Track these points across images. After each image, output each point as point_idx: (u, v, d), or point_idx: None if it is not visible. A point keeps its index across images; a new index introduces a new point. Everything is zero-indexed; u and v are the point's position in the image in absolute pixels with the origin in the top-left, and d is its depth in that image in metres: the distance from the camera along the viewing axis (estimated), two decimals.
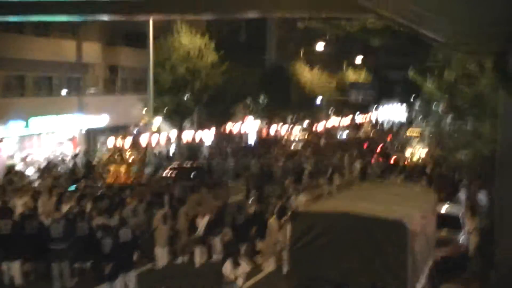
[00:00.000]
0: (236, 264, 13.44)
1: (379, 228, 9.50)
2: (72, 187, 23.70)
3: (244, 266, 13.57)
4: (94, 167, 31.29)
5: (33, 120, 32.50)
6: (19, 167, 31.99)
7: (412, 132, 52.40)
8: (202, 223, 18.27)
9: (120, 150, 24.96)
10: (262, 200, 21.96)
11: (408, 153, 43.80)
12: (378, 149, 50.52)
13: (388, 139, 63.15)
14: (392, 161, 41.45)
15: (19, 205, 20.08)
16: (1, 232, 16.30)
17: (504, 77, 9.24)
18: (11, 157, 33.05)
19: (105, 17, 28.37)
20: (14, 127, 31.61)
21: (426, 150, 42.94)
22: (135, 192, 21.47)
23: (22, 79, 35.00)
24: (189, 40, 36.52)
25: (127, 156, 24.83)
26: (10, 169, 30.12)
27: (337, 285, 9.57)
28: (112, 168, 24.55)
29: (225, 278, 13.54)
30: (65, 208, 19.00)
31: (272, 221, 18.14)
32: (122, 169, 24.34)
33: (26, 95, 35.07)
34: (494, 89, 13.06)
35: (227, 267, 13.47)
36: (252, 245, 19.07)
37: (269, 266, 18.03)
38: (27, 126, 32.37)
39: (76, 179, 28.07)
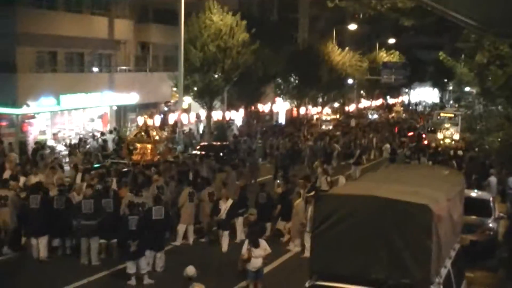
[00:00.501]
0: (255, 245, 13.41)
1: (403, 211, 9.31)
2: (97, 165, 23.82)
3: (264, 247, 13.52)
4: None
5: (64, 97, 32.76)
6: (50, 143, 32.37)
7: (446, 114, 51.70)
8: (224, 206, 17.82)
9: (146, 128, 25.02)
10: (288, 180, 21.87)
11: (440, 135, 43.35)
12: (410, 131, 50.16)
13: (421, 121, 62.62)
14: (423, 143, 41.13)
15: (48, 180, 20.30)
16: (31, 207, 16.54)
17: None
18: (43, 132, 33.43)
19: None
20: (46, 103, 31.91)
21: (458, 133, 42.48)
22: (161, 169, 21.50)
23: (54, 55, 35.27)
24: (220, 18, 36.33)
25: (154, 134, 24.85)
26: (41, 145, 30.46)
27: (358, 270, 9.47)
28: (138, 145, 24.66)
29: (241, 257, 13.57)
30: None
31: (298, 202, 18.04)
32: (149, 146, 24.42)
33: (58, 71, 35.37)
34: None
35: (244, 248, 13.48)
36: (276, 225, 19.11)
37: (295, 247, 17.98)
38: (58, 102, 32.64)
39: (107, 156, 28.36)
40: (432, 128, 48.01)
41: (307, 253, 16.84)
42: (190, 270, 11.28)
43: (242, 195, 19.43)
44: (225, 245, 17.64)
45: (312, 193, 18.24)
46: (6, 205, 16.63)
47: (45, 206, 16.64)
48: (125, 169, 22.18)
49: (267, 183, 23.12)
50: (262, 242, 13.62)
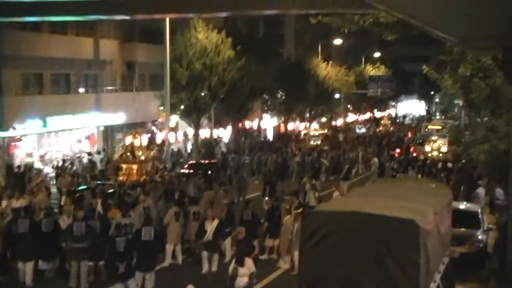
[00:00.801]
0: (241, 264, 13.34)
1: (390, 226, 9.27)
2: (83, 187, 23.67)
3: (248, 266, 13.44)
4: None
5: (51, 119, 32.64)
6: (37, 165, 32.19)
7: (433, 126, 51.93)
8: (210, 227, 17.22)
9: (132, 148, 24.88)
10: (276, 197, 21.76)
11: (428, 148, 43.48)
12: (398, 144, 50.31)
13: (409, 134, 62.84)
14: (412, 156, 41.22)
15: (36, 203, 20.14)
16: (20, 231, 16.38)
17: None
18: (30, 155, 33.26)
19: (122, 17, 28.70)
20: (32, 125, 31.78)
21: (446, 145, 42.60)
22: (147, 189, 21.37)
23: (40, 77, 35.22)
24: (205, 36, 36.43)
25: (140, 154, 24.73)
26: (29, 168, 30.27)
27: (347, 285, 9.43)
28: (124, 166, 24.54)
29: (228, 276, 13.50)
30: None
31: (287, 219, 17.96)
32: (135, 166, 24.29)
33: (44, 92, 35.27)
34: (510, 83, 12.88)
35: (231, 266, 13.42)
36: (264, 242, 18.95)
37: (284, 264, 17.89)
38: (45, 124, 32.53)
39: (94, 177, 28.18)
40: (420, 141, 48.18)
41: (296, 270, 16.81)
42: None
43: (228, 213, 19.15)
44: (214, 266, 17.18)
45: (300, 210, 18.16)
46: None
47: (33, 230, 16.48)
48: (111, 190, 22.00)
49: (255, 200, 23.04)
50: (248, 261, 13.53)
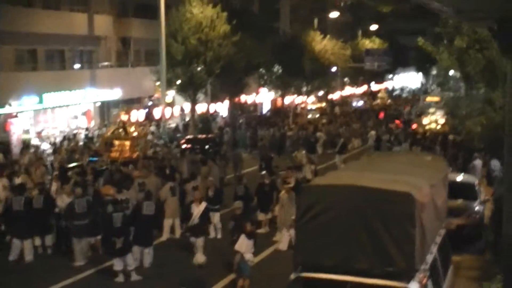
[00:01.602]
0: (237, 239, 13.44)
1: (386, 199, 9.27)
2: (74, 164, 23.59)
3: (243, 242, 13.49)
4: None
5: (47, 95, 32.49)
6: (34, 141, 32.10)
7: (432, 98, 51.71)
8: (197, 210, 16.15)
9: (124, 124, 24.61)
10: (271, 171, 21.72)
11: (426, 120, 43.38)
12: (396, 118, 50.22)
13: (406, 107, 62.71)
14: (409, 129, 41.14)
15: (31, 181, 20.15)
16: (15, 209, 16.40)
17: (506, 44, 8.96)
18: (26, 131, 33.15)
19: None
20: (28, 102, 31.63)
21: (444, 118, 42.48)
22: (139, 166, 21.32)
23: (34, 53, 34.99)
24: (200, 11, 36.14)
25: (132, 130, 24.46)
26: (26, 144, 30.19)
27: (342, 259, 9.45)
28: (116, 142, 24.30)
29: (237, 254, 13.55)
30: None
31: (283, 193, 17.96)
32: (127, 143, 24.06)
33: (38, 69, 35.08)
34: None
35: (239, 241, 13.46)
36: (254, 217, 18.78)
37: (282, 238, 17.91)
38: (41, 100, 32.38)
39: (93, 153, 28.07)
40: (419, 113, 48.04)
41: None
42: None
43: (216, 191, 19.03)
44: (200, 255, 16.12)
45: (290, 184, 18.16)
46: None
47: (28, 208, 16.51)
48: (103, 167, 21.92)
49: (252, 175, 23.03)
50: (243, 236, 13.61)
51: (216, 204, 18.55)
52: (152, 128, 36.95)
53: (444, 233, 11.82)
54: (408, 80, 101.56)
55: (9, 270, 15.93)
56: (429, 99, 52.47)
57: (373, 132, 38.36)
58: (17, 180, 19.48)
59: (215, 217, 18.47)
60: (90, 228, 16.19)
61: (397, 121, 46.31)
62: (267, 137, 36.38)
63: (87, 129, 35.16)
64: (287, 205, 17.52)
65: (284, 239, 17.38)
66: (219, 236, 18.35)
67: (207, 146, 30.64)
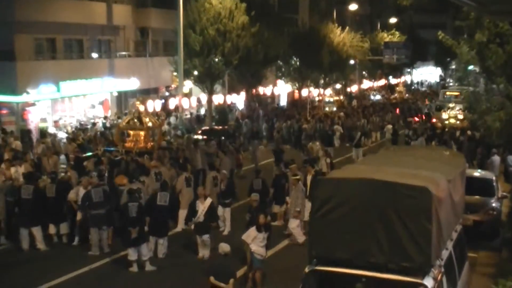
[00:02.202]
0: (259, 229, 13.39)
1: (403, 194, 9.19)
2: (89, 153, 23.63)
3: (251, 233, 13.46)
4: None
5: (64, 84, 32.61)
6: (51, 130, 32.27)
7: (452, 92, 51.25)
8: (202, 207, 15.65)
9: (139, 114, 24.51)
10: (283, 163, 21.57)
11: (445, 115, 43.05)
12: (415, 112, 49.88)
13: (426, 101, 62.26)
14: (428, 124, 40.86)
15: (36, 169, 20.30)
16: (23, 197, 16.44)
17: None
18: (44, 120, 33.34)
19: None
20: (46, 91, 31.78)
21: (463, 112, 42.05)
22: (155, 156, 21.36)
23: (52, 42, 35.10)
24: (219, 1, 36.04)
25: (147, 120, 24.32)
26: (44, 133, 30.35)
27: (357, 254, 9.37)
28: (131, 132, 24.23)
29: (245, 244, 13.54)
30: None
31: (291, 185, 17.84)
32: (142, 133, 23.98)
33: (57, 57, 35.22)
34: None
35: (249, 233, 13.49)
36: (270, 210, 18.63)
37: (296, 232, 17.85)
38: (58, 89, 32.51)
39: (108, 143, 28.17)
40: (438, 107, 47.69)
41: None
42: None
43: (228, 184, 18.84)
44: (206, 252, 15.90)
45: (298, 176, 18.07)
46: None
47: (37, 196, 16.54)
48: (118, 157, 21.97)
49: (267, 167, 22.95)
50: (253, 229, 13.59)
51: (227, 198, 18.47)
52: (172, 119, 36.93)
53: (460, 229, 11.71)
54: (427, 74, 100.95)
55: (25, 258, 16.05)
56: (449, 93, 52.00)
57: (390, 126, 38.19)
58: (19, 169, 19.51)
59: (226, 212, 18.37)
60: (107, 218, 16.22)
61: (413, 118, 45.95)
62: (283, 129, 36.27)
63: (105, 117, 35.29)
64: (292, 196, 17.47)
65: (296, 232, 17.29)
66: (225, 232, 18.11)
67: (223, 137, 30.61)
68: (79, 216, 16.60)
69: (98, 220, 16.11)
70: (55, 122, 33.71)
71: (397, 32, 73.43)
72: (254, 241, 13.38)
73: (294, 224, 17.18)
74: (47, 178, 17.84)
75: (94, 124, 34.28)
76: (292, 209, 17.22)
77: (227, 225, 18.36)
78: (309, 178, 18.68)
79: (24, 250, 16.46)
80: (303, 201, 17.29)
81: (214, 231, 16.59)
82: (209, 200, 15.80)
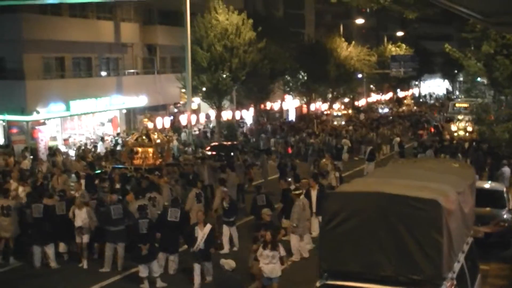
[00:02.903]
0: (274, 246, 13.32)
1: (412, 206, 9.19)
2: (98, 171, 23.68)
3: (281, 249, 13.41)
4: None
5: (73, 102, 32.81)
6: (61, 148, 32.41)
7: (461, 104, 51.05)
8: (201, 233, 14.61)
9: (147, 131, 24.54)
10: (286, 178, 21.48)
11: (454, 127, 42.94)
12: (424, 124, 49.77)
13: (435, 113, 62.17)
14: (436, 136, 40.74)
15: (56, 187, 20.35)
16: (35, 216, 16.46)
17: None
18: (54, 138, 33.51)
19: None
20: (55, 109, 31.99)
21: (472, 124, 41.93)
22: (164, 173, 21.39)
23: (61, 61, 35.36)
24: (226, 18, 36.26)
25: (155, 137, 24.34)
26: (53, 151, 30.47)
27: (367, 267, 9.36)
28: (139, 149, 24.24)
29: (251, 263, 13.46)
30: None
31: (302, 199, 17.78)
32: (150, 150, 24.01)
33: (66, 76, 35.46)
34: None
35: (258, 252, 13.37)
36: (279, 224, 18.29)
37: (305, 245, 17.78)
38: (68, 108, 32.72)
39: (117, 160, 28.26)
40: (448, 119, 47.51)
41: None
42: (231, 262, 11.43)
43: (232, 202, 18.40)
44: (208, 276, 14.99)
45: (299, 191, 17.94)
46: (9, 214, 16.56)
47: (47, 214, 16.54)
48: (128, 174, 22.02)
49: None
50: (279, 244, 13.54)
51: (231, 216, 18.11)
52: (183, 136, 36.94)
53: (471, 241, 11.65)
54: (434, 86, 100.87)
55: (36, 276, 16.04)
56: (458, 105, 51.86)
57: (397, 139, 38.04)
58: (26, 189, 19.58)
59: (232, 231, 18.03)
60: (124, 234, 16.16)
61: (421, 132, 45.84)
62: (282, 144, 36.40)
63: (118, 134, 35.49)
64: (292, 211, 17.27)
65: (296, 247, 17.14)
66: (235, 247, 17.93)
67: (231, 153, 30.63)
68: (85, 238, 16.55)
69: (116, 237, 16.11)
70: (65, 140, 33.88)
71: (403, 45, 73.56)
72: (261, 258, 13.32)
73: (293, 240, 16.95)
74: (56, 196, 17.88)
75: (103, 141, 34.38)
76: (291, 225, 17.04)
77: (235, 243, 18.07)
78: (313, 193, 18.55)
79: (35, 267, 16.47)
80: (302, 216, 17.11)
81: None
82: (208, 226, 14.82)
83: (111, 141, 34.96)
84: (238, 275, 11.82)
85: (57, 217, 16.75)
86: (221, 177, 21.25)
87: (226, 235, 17.91)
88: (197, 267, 14.67)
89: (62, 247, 17.11)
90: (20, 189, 19.38)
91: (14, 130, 32.10)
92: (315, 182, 19.24)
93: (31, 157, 28.44)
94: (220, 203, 18.60)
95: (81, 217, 16.40)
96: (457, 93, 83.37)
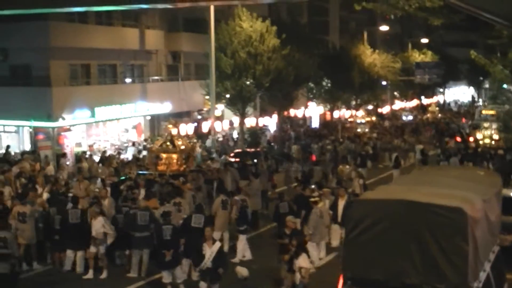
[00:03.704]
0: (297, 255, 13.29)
1: (437, 214, 9.07)
2: (123, 177, 23.79)
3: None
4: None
5: (98, 109, 33.10)
6: (89, 154, 32.64)
7: (487, 111, 50.43)
8: (209, 251, 13.71)
9: (171, 137, 24.65)
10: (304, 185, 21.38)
11: (479, 135, 42.47)
12: (452, 132, 49.29)
13: (463, 120, 61.53)
14: (461, 144, 40.30)
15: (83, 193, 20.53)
16: (71, 221, 16.59)
17: None
18: (79, 144, 33.81)
19: (165, 5, 28.57)
20: (81, 116, 32.30)
21: (498, 132, 41.44)
22: (189, 179, 21.45)
23: (87, 68, 35.70)
24: (250, 25, 36.33)
25: (179, 143, 24.45)
26: (79, 158, 30.72)
27: (391, 276, 9.26)
28: (164, 155, 24.36)
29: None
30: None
31: (322, 205, 17.70)
32: (174, 156, 24.10)
33: (91, 83, 35.79)
34: None
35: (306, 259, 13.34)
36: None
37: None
38: (93, 114, 33.01)
39: (141, 166, 28.39)
40: (474, 126, 47.01)
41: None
42: (243, 270, 11.40)
43: (242, 211, 18.28)
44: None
45: (316, 198, 17.89)
46: (25, 221, 16.63)
47: (82, 220, 16.74)
48: (152, 181, 22.14)
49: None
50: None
51: (241, 225, 17.99)
52: (208, 142, 36.87)
53: (497, 250, 11.51)
54: (459, 93, 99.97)
55: (62, 280, 16.21)
56: (485, 112, 51.26)
57: (420, 146, 37.53)
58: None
59: (240, 238, 17.86)
60: (150, 240, 16.23)
61: (447, 139, 45.37)
62: (315, 150, 36.22)
63: (145, 140, 35.73)
64: (311, 218, 17.22)
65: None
66: (237, 260, 17.63)
67: (255, 160, 30.64)
68: (101, 249, 16.56)
69: (141, 243, 16.18)
70: (90, 146, 34.14)
71: (429, 52, 72.97)
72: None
73: (310, 248, 16.54)
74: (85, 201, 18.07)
75: (134, 145, 34.62)
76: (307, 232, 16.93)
77: (240, 252, 17.86)
78: (341, 203, 18.36)
79: (62, 272, 16.64)
80: (320, 223, 17.07)
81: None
82: (217, 244, 13.94)
83: (136, 147, 35.15)
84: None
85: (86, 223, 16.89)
86: (239, 186, 21.24)
87: (240, 244, 17.82)
88: (203, 286, 13.82)
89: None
90: (45, 195, 19.58)
91: (40, 136, 32.43)
92: (344, 191, 19.13)
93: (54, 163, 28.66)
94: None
95: (95, 227, 16.40)
96: (481, 100, 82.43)
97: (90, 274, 16.43)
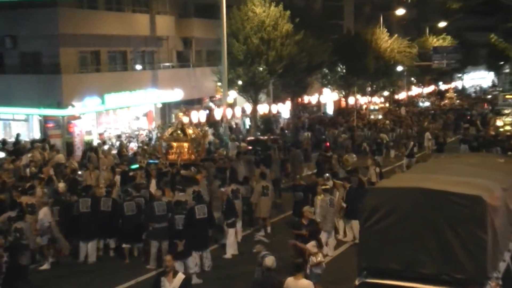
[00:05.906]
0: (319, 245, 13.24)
1: (455, 203, 8.78)
2: (134, 166, 23.48)
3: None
4: None
5: (108, 96, 32.71)
6: (96, 143, 32.33)
7: (510, 96, 49.54)
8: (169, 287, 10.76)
9: (182, 126, 24.17)
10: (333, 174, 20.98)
11: (499, 122, 41.69)
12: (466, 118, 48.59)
13: (485, 105, 60.62)
14: (480, 132, 39.50)
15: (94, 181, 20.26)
16: (82, 210, 16.52)
17: None
18: (89, 133, 33.49)
19: None
20: (91, 103, 31.93)
21: None
22: (201, 168, 21.04)
23: (97, 54, 35.31)
24: (263, 10, 35.70)
25: (190, 132, 23.97)
26: (90, 146, 30.41)
27: (408, 264, 8.96)
28: (174, 144, 23.90)
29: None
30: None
31: (322, 199, 17.20)
32: (185, 145, 23.63)
33: (101, 70, 35.42)
34: None
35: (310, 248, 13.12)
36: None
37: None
38: (103, 102, 32.64)
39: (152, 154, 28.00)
40: (497, 111, 46.20)
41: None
42: (269, 260, 11.11)
43: (229, 203, 17.56)
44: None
45: (327, 186, 17.65)
46: (34, 213, 16.40)
47: (95, 209, 16.64)
48: (164, 170, 21.76)
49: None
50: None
51: (229, 218, 17.31)
52: (221, 130, 36.40)
53: None
54: (478, 79, 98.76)
55: (70, 274, 16.00)
56: (508, 96, 50.38)
57: (429, 135, 36.21)
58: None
59: (230, 232, 17.21)
60: (167, 231, 15.80)
61: (465, 126, 44.45)
62: (329, 138, 35.67)
63: (158, 126, 35.37)
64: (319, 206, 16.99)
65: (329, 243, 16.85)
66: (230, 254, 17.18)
67: (269, 148, 30.05)
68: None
69: (160, 233, 15.89)
70: (100, 134, 33.83)
71: (448, 37, 71.72)
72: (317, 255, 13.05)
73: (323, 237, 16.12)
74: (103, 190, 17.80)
75: (151, 133, 34.20)
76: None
77: (230, 245, 17.24)
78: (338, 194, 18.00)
79: (78, 262, 16.57)
80: (330, 212, 16.80)
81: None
82: (180, 277, 10.82)
83: (146, 135, 34.78)
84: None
85: (101, 212, 16.67)
86: (245, 176, 20.79)
87: (229, 238, 17.19)
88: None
89: (100, 243, 17.07)
90: (61, 185, 19.20)
91: (50, 125, 32.13)
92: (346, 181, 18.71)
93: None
94: (260, 197, 18.57)
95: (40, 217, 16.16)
96: (500, 87, 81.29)
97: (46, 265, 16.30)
